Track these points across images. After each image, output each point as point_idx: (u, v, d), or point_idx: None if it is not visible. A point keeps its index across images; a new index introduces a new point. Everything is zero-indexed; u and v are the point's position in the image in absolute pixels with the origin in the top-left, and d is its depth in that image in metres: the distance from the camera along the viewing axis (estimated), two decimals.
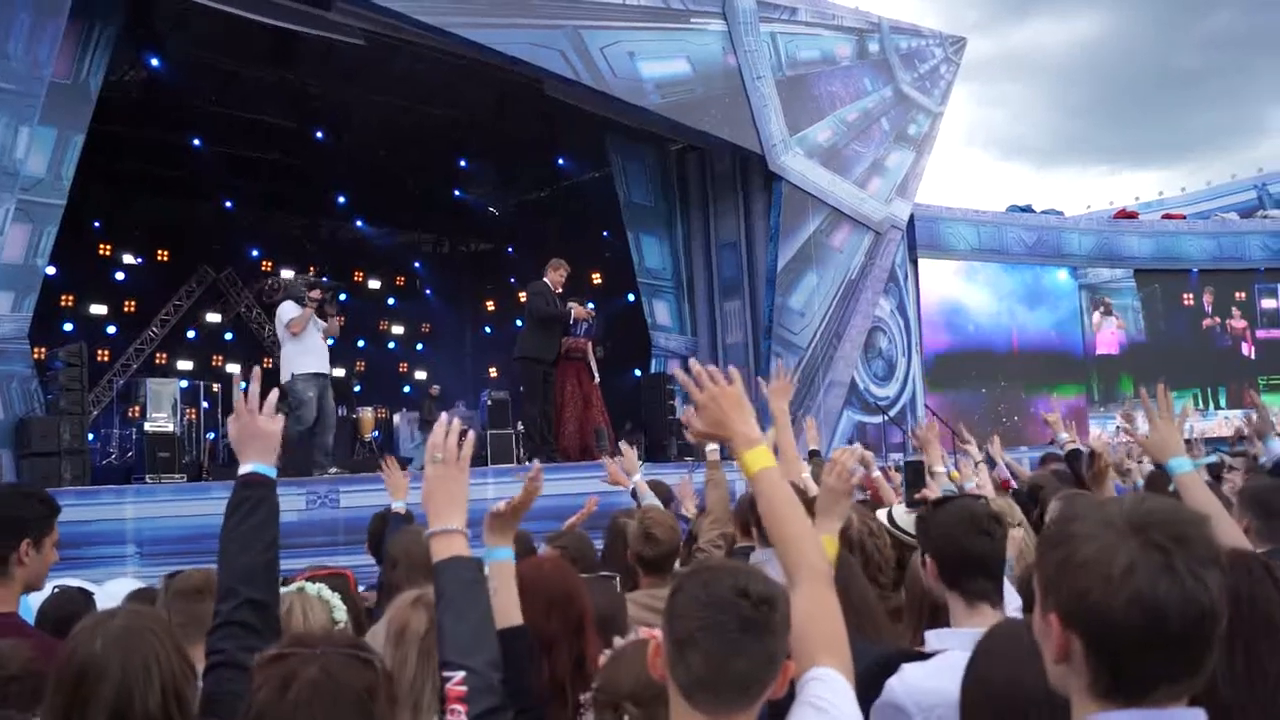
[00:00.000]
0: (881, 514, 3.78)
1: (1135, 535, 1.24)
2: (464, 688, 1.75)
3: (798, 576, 1.89)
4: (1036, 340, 17.99)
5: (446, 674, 1.78)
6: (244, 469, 2.20)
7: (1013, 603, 2.49)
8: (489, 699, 1.77)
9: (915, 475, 3.74)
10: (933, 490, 4.00)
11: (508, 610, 2.13)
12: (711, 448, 4.74)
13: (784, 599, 1.69)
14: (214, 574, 2.72)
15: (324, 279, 10.76)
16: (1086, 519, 1.30)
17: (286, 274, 15.81)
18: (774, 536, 1.97)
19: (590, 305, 11.52)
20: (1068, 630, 1.27)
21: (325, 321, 10.07)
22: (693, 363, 2.16)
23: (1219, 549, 1.27)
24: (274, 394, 2.29)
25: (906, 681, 2.18)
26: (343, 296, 13.17)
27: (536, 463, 2.29)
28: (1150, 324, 18.87)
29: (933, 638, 2.37)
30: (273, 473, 2.22)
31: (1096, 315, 18.65)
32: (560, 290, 10.97)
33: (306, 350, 9.85)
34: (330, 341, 10.16)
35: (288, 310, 9.81)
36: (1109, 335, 18.68)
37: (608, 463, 5.24)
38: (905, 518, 3.61)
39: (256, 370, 2.33)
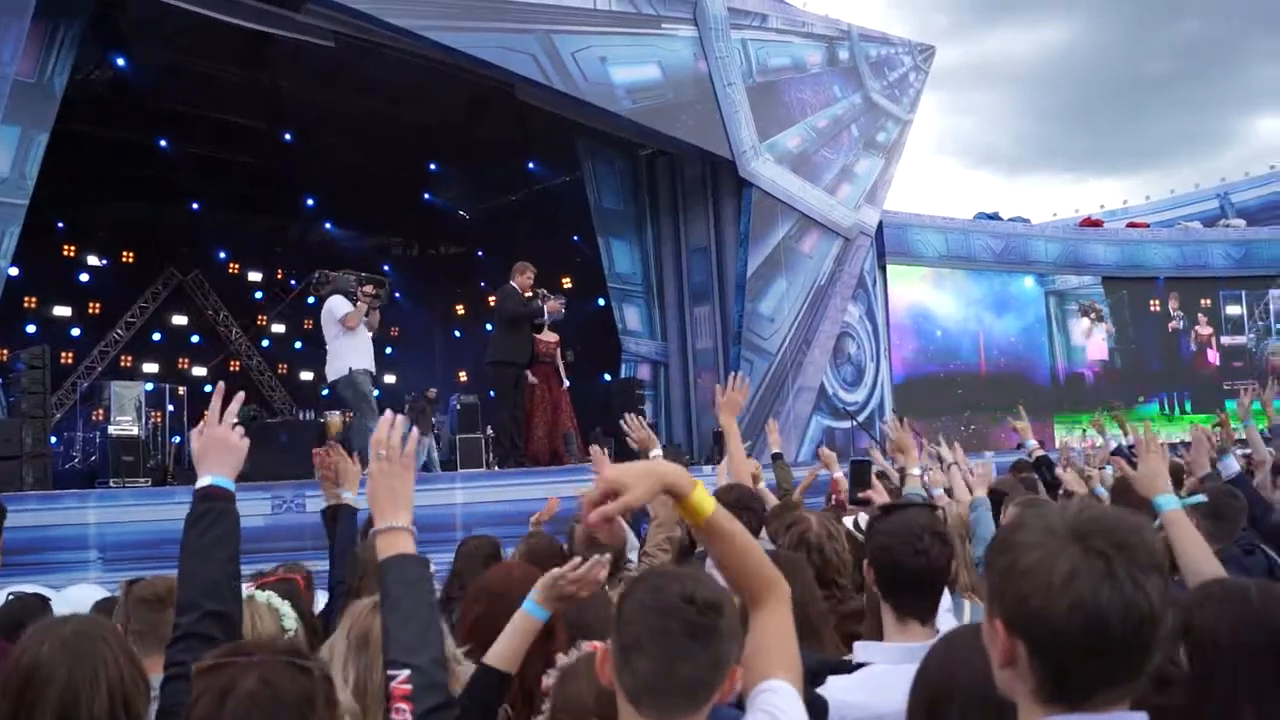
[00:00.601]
0: (849, 520, 3.80)
1: (1077, 542, 1.26)
2: (409, 686, 1.76)
3: (768, 598, 1.85)
4: (1003, 346, 18.15)
5: (391, 672, 1.78)
6: (202, 481, 2.18)
7: (946, 621, 2.47)
8: (434, 697, 1.78)
9: (860, 475, 3.78)
10: (878, 492, 4.02)
11: (509, 659, 2.22)
12: (655, 452, 4.66)
13: (731, 604, 1.69)
14: (175, 582, 2.70)
15: (372, 275, 10.58)
16: (1030, 526, 1.31)
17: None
18: (735, 573, 1.87)
19: (561, 299, 11.47)
20: (1012, 636, 1.28)
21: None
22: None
23: (1160, 556, 1.29)
24: (235, 404, 2.27)
25: (830, 692, 2.19)
26: (397, 295, 12.98)
27: (598, 557, 2.30)
28: (1119, 330, 19.10)
29: (860, 650, 2.38)
30: (231, 485, 2.20)
31: (1086, 322, 18.86)
32: (529, 293, 10.95)
33: (358, 346, 9.73)
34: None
35: (340, 305, 9.65)
36: (1099, 342, 18.91)
37: (595, 450, 5.18)
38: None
39: (221, 385, 2.30)
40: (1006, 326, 18.28)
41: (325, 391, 19.07)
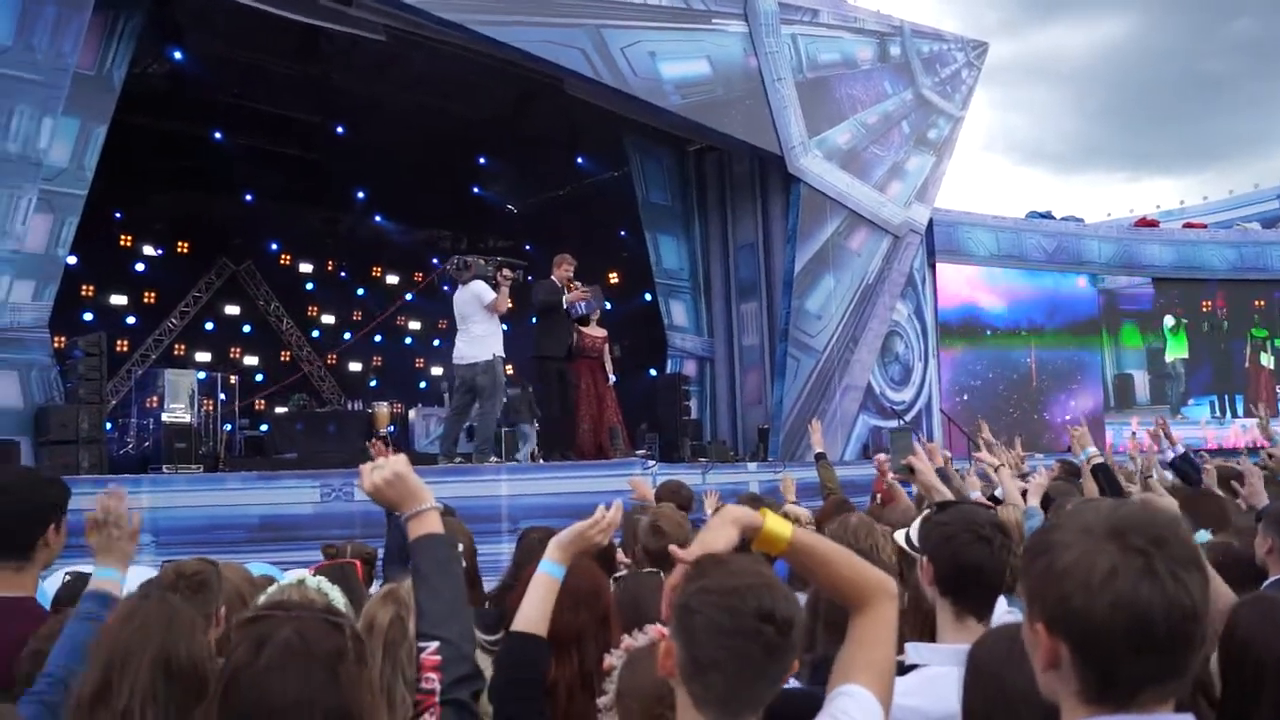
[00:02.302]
0: (900, 535, 3.76)
1: (1114, 540, 1.25)
2: (438, 657, 1.81)
3: (873, 601, 1.82)
4: (1054, 347, 17.92)
5: (422, 644, 1.84)
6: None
7: (999, 617, 2.41)
8: (462, 667, 1.84)
9: (901, 443, 3.75)
10: (920, 460, 3.97)
11: (537, 620, 2.23)
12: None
13: (801, 614, 1.70)
14: (211, 563, 2.81)
15: (507, 258, 10.67)
16: (1065, 526, 1.31)
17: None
18: (838, 587, 1.86)
19: (589, 289, 11.43)
20: (1054, 637, 1.28)
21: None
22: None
23: (1198, 550, 1.28)
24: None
25: None
26: (445, 287, 12.96)
27: (617, 502, 2.36)
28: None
29: (912, 651, 2.32)
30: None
31: (1170, 319, 18.70)
32: (569, 285, 10.97)
33: (498, 332, 9.86)
34: None
35: (485, 290, 9.75)
36: (1182, 340, 18.83)
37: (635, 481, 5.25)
38: None
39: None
40: (1059, 327, 18.05)
41: (373, 383, 19.34)
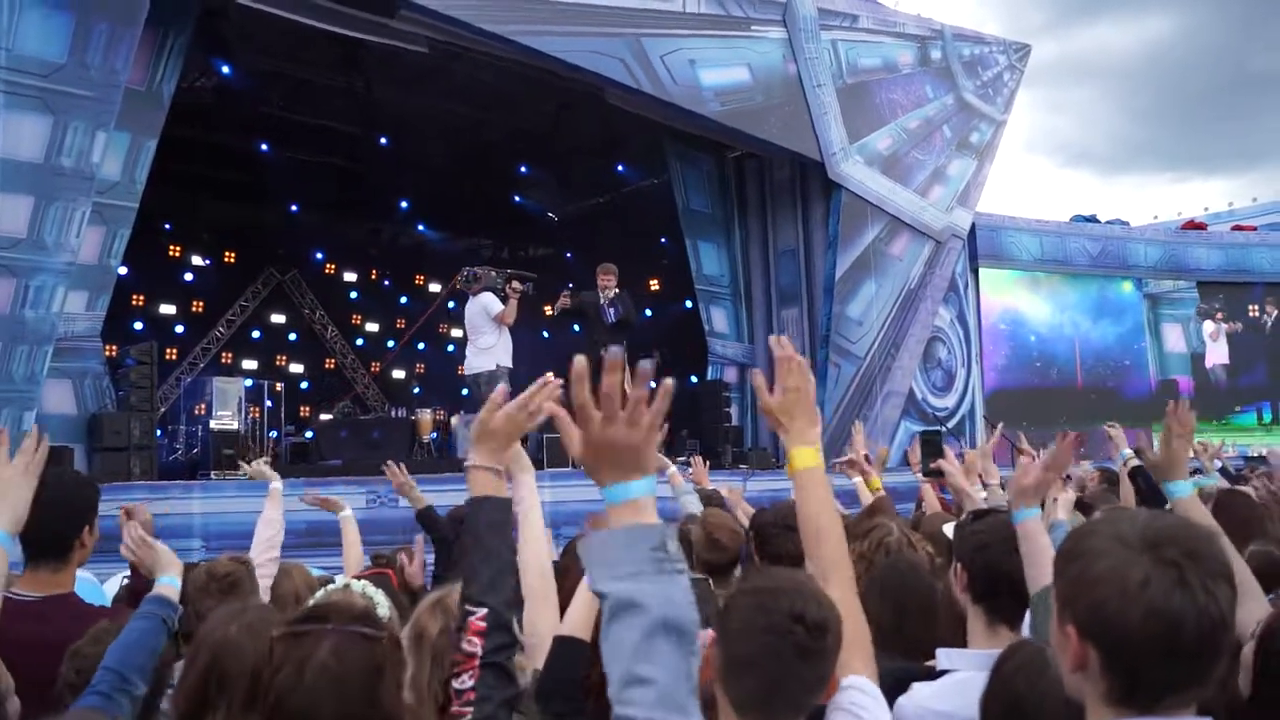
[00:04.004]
0: (949, 528, 3.76)
1: (1148, 551, 1.29)
2: (484, 624, 1.85)
3: (829, 573, 1.96)
4: (1100, 353, 17.72)
5: (470, 608, 1.87)
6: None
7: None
8: (502, 636, 1.87)
9: (931, 446, 3.73)
10: (950, 461, 3.95)
11: (581, 625, 2.26)
12: (672, 470, 4.75)
13: (837, 621, 1.74)
14: (243, 562, 2.91)
15: (518, 270, 10.78)
16: (1100, 534, 1.35)
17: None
18: (807, 533, 2.04)
19: (568, 289, 11.25)
20: (1085, 641, 1.32)
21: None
22: (782, 340, 2.15)
23: (1228, 564, 1.32)
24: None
25: (915, 700, 2.19)
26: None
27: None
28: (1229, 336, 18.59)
29: (943, 657, 2.35)
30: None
31: (1210, 324, 18.40)
32: (612, 292, 10.96)
33: (507, 343, 9.98)
34: None
35: (494, 302, 9.88)
36: (1222, 346, 18.47)
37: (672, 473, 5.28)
38: None
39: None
40: (1104, 332, 17.86)
41: (416, 390, 19.53)
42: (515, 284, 9.97)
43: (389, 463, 4.79)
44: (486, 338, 9.86)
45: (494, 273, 10.21)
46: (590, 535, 1.34)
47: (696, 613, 1.28)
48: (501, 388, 2.11)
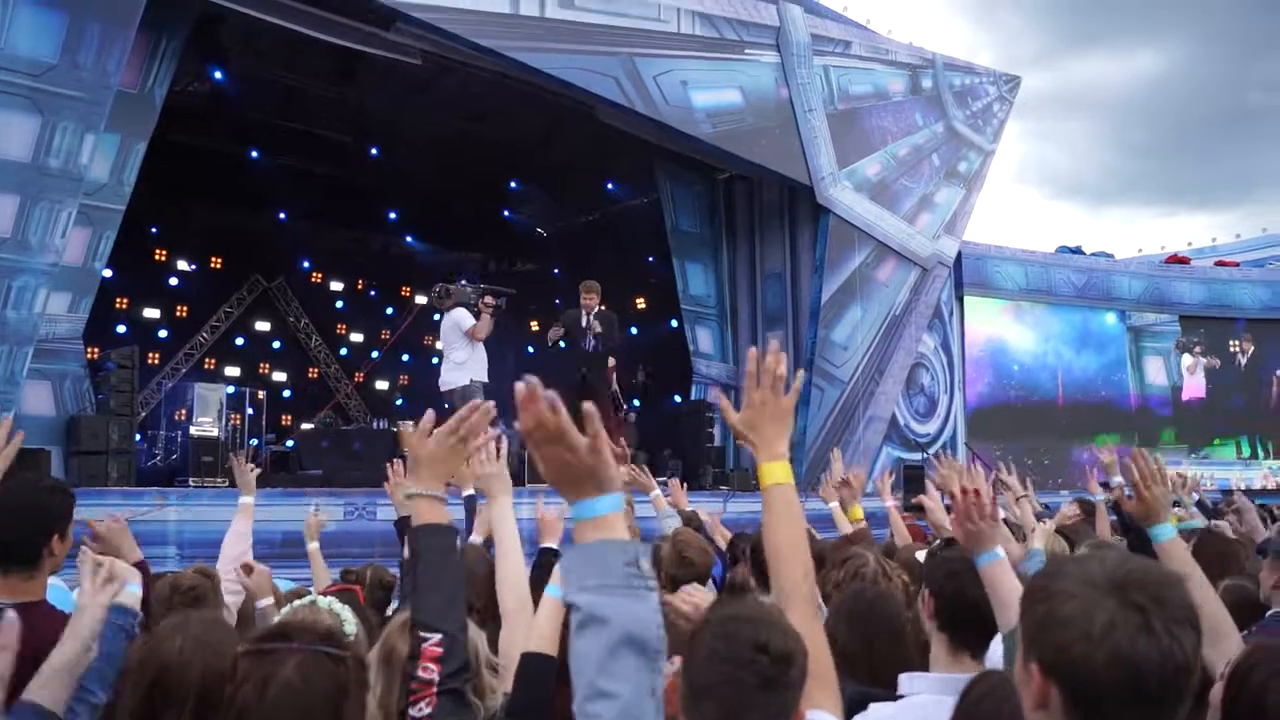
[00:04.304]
0: (922, 553, 3.77)
1: (1115, 594, 1.29)
2: (439, 650, 1.86)
3: (789, 598, 1.93)
4: (1082, 383, 17.81)
5: (424, 635, 1.88)
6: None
7: (994, 654, 2.44)
8: (458, 660, 1.88)
9: (912, 479, 3.72)
10: (931, 498, 3.96)
11: (549, 639, 2.26)
12: (656, 493, 4.69)
13: (802, 654, 1.72)
14: (209, 575, 2.89)
15: (491, 285, 10.76)
16: (1068, 575, 1.35)
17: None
18: (772, 552, 2.01)
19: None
20: (1048, 680, 1.32)
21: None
22: (774, 349, 2.17)
23: (1194, 608, 1.33)
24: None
25: None
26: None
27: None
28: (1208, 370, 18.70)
29: (905, 681, 2.36)
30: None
31: (1188, 358, 18.50)
32: (595, 311, 10.99)
33: (480, 358, 9.94)
34: None
35: (465, 317, 9.86)
36: (1199, 379, 18.57)
37: (655, 496, 5.28)
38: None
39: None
40: (1086, 363, 17.97)
41: (399, 401, 19.46)
42: (488, 299, 9.96)
43: (395, 462, 4.57)
44: (459, 353, 9.84)
45: (468, 288, 10.19)
46: (567, 546, 1.35)
47: (663, 631, 1.29)
48: (429, 414, 2.14)
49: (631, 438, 13.70)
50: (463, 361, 9.81)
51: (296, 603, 2.88)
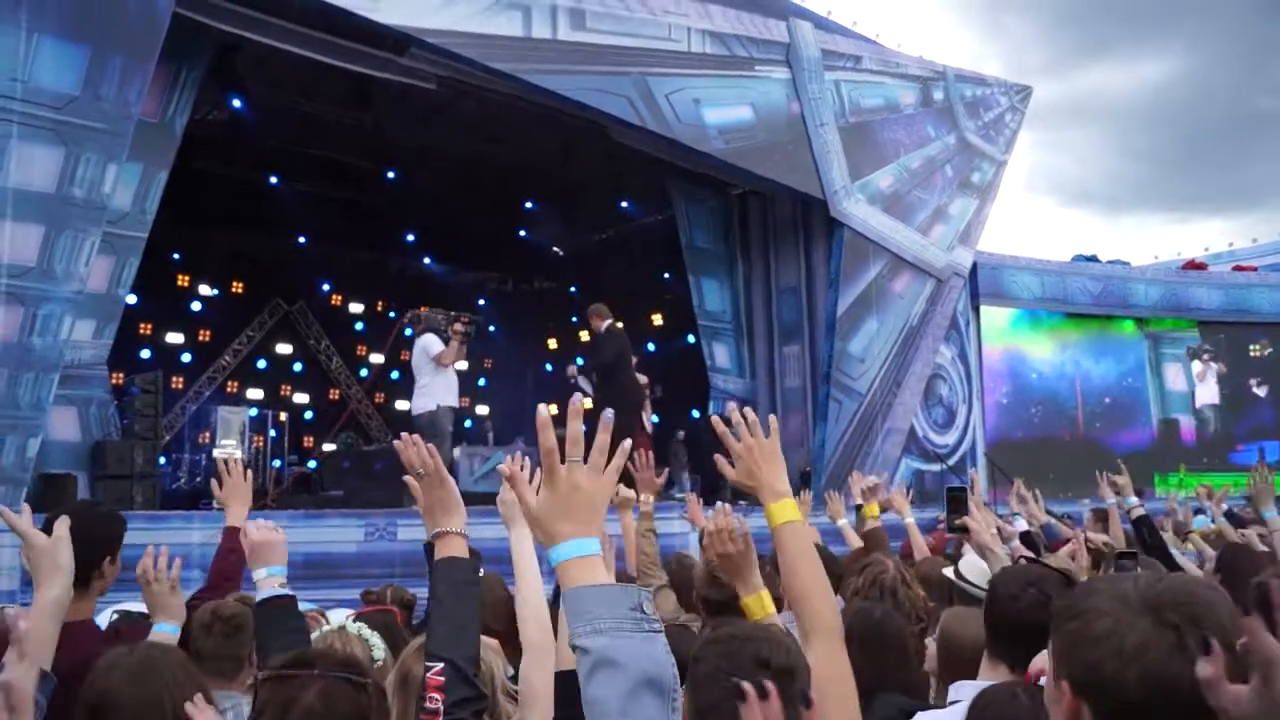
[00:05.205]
0: (948, 570, 3.77)
1: (1148, 613, 1.28)
2: (441, 679, 1.87)
3: (812, 632, 1.95)
4: (1101, 391, 17.71)
5: (428, 664, 1.90)
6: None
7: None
8: (463, 690, 1.89)
9: (957, 501, 3.70)
10: (976, 520, 3.94)
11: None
12: (645, 497, 4.64)
13: (805, 669, 1.74)
14: (249, 604, 2.94)
15: (459, 314, 10.93)
16: (1102, 593, 1.34)
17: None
18: (790, 591, 2.03)
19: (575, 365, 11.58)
20: (1078, 698, 1.31)
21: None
22: (732, 408, 2.22)
23: (1230, 631, 1.29)
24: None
25: None
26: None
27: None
28: (1219, 376, 18.54)
29: (953, 690, 2.41)
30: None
31: (1198, 364, 18.37)
32: (598, 335, 11.10)
33: (447, 384, 10.01)
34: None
35: (434, 343, 9.96)
36: (1211, 386, 18.41)
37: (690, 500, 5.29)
38: (975, 571, 3.59)
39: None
40: (1105, 370, 17.86)
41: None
42: (458, 326, 10.08)
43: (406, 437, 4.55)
44: (426, 378, 9.95)
45: (439, 315, 10.31)
46: (571, 587, 1.36)
47: (676, 669, 1.30)
48: (405, 438, 2.18)
49: (683, 457, 13.74)
50: (428, 386, 9.90)
51: (326, 628, 2.91)
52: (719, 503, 2.19)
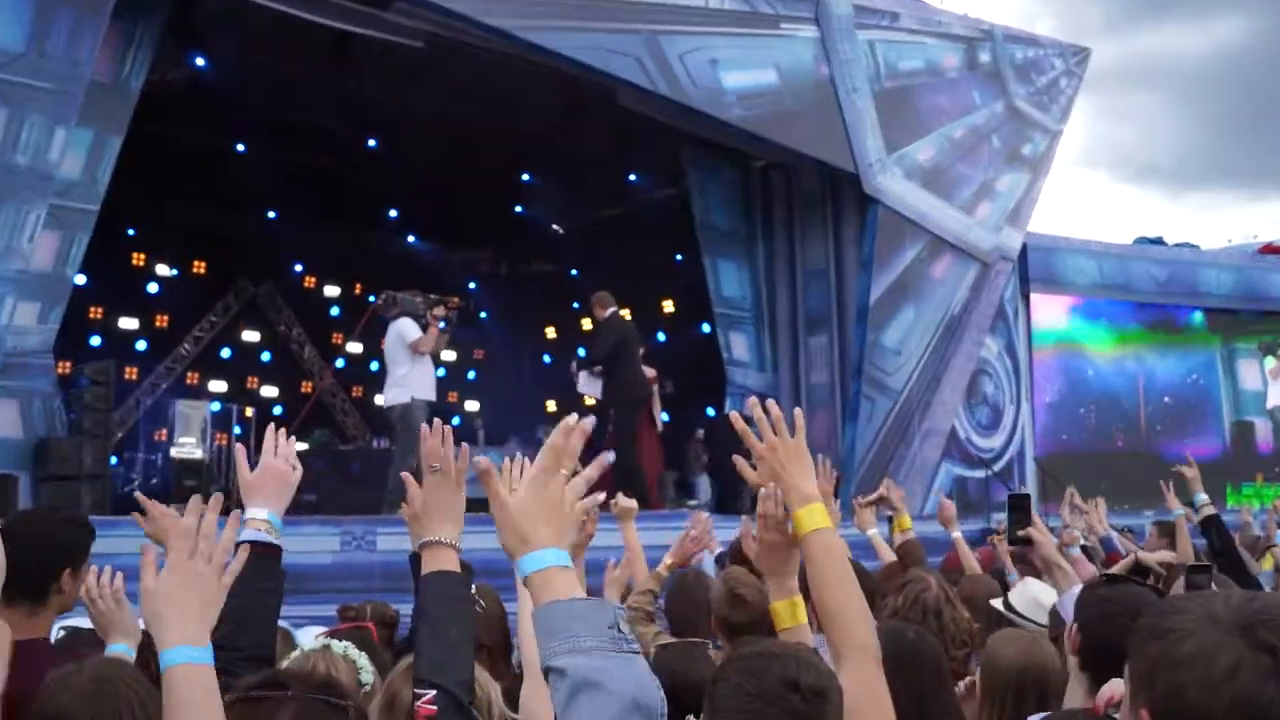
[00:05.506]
0: (997, 602, 3.75)
1: (1241, 634, 1.26)
2: (434, 707, 1.87)
3: (845, 653, 1.95)
4: (1166, 389, 17.65)
5: (419, 690, 1.90)
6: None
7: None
8: (458, 718, 1.88)
9: (1019, 510, 3.66)
10: (1040, 530, 3.91)
11: None
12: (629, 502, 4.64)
13: (837, 690, 1.73)
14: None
15: (441, 296, 10.90)
16: (1188, 612, 1.33)
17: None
18: (821, 607, 2.03)
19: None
20: None
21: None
22: (753, 403, 2.22)
23: None
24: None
25: None
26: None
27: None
28: None
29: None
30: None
31: (1272, 361, 18.31)
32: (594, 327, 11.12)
33: (424, 374, 10.00)
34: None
35: (409, 329, 9.95)
36: None
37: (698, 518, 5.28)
38: (1026, 602, 3.58)
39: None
40: (1171, 367, 17.80)
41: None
42: (438, 310, 10.05)
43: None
44: (402, 367, 9.90)
45: (417, 298, 10.27)
46: (541, 604, 1.36)
47: (662, 693, 1.31)
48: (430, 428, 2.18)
49: (703, 458, 13.74)
50: (403, 377, 9.86)
51: (308, 646, 2.92)
52: (762, 490, 2.15)
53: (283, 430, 2.43)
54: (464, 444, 2.19)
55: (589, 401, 11.68)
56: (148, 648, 2.93)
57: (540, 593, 1.37)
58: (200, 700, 1.65)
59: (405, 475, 2.21)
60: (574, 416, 1.47)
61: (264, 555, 2.28)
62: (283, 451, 2.39)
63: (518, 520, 1.42)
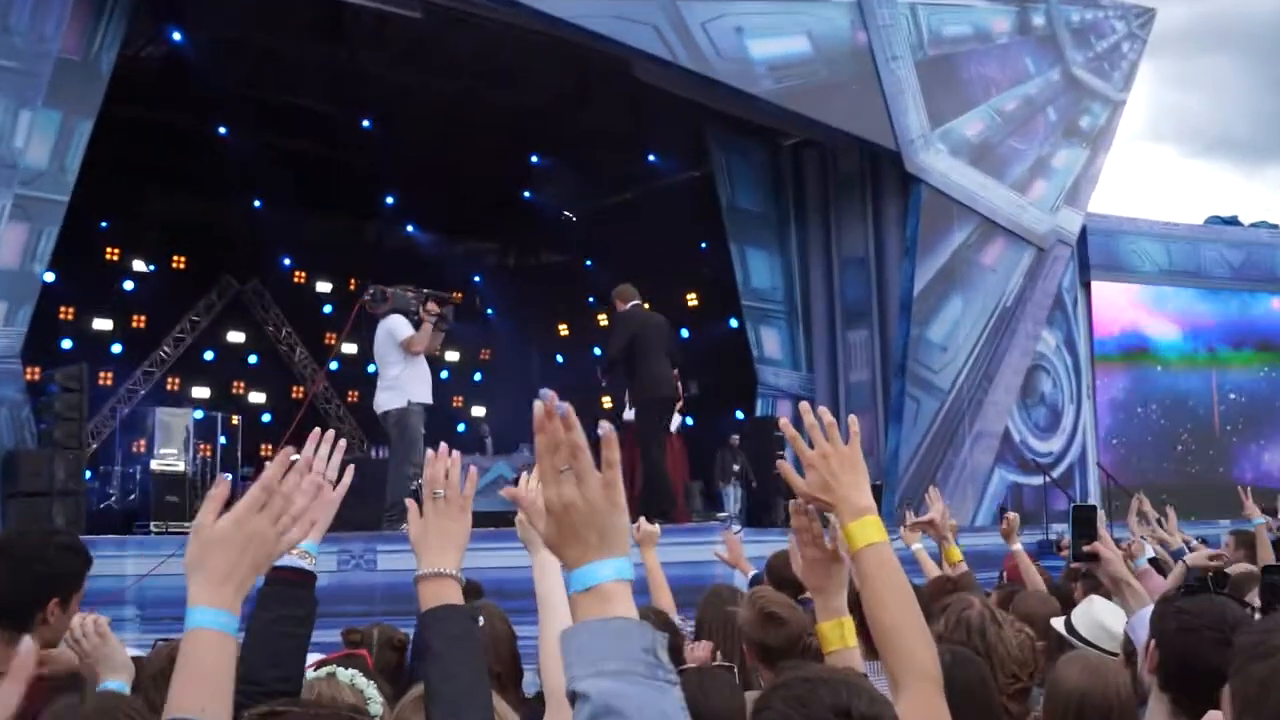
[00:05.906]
0: (1058, 622, 3.72)
1: None
2: None
3: (903, 678, 1.93)
4: (1243, 388, 17.52)
5: None
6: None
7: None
8: None
9: (1084, 523, 3.63)
10: (1106, 544, 3.87)
11: None
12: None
13: (893, 716, 1.69)
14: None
15: (436, 291, 10.90)
16: None
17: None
18: (877, 628, 2.01)
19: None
20: None
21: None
22: (804, 409, 2.18)
23: None
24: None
25: None
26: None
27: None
28: None
29: None
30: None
31: None
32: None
33: (419, 375, 10.01)
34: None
35: (401, 326, 9.96)
36: None
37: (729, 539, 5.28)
38: (1090, 625, 3.55)
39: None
40: (1248, 359, 17.67)
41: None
42: (432, 305, 10.02)
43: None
44: (394, 368, 9.89)
45: (409, 293, 10.25)
46: (571, 625, 1.33)
47: None
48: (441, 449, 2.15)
49: (732, 466, 13.70)
50: (396, 379, 9.86)
51: (310, 675, 2.90)
52: (793, 502, 2.15)
53: (330, 433, 2.32)
54: (471, 467, 2.17)
55: (605, 404, 11.67)
56: (150, 681, 2.91)
57: (599, 607, 1.32)
58: (201, 670, 1.72)
59: (409, 501, 2.18)
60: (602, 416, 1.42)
61: (294, 582, 2.26)
62: (320, 466, 2.31)
63: (595, 517, 1.35)
